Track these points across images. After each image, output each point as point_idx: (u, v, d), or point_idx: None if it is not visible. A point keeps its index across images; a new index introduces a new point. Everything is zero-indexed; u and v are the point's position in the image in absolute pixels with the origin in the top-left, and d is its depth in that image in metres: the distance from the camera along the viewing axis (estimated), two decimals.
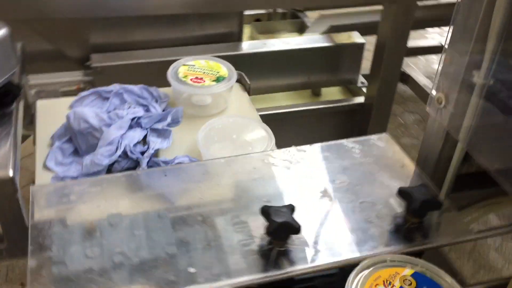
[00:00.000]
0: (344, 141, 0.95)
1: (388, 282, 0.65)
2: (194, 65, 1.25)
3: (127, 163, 1.03)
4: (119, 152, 1.02)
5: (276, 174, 0.90)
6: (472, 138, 0.79)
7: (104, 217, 0.80)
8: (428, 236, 0.78)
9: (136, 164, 1.03)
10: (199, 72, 1.23)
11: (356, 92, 2.00)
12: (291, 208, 0.72)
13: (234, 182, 0.90)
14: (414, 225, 0.78)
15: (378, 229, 0.78)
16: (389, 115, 1.95)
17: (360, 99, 1.96)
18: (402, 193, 0.78)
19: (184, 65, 1.25)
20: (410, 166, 0.91)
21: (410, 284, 0.66)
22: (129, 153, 1.03)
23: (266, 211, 0.71)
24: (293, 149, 0.95)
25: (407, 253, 0.72)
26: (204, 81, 1.20)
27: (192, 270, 0.71)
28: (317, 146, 0.95)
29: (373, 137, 0.96)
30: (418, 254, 0.73)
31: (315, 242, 0.75)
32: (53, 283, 0.70)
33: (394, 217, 0.80)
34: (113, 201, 0.84)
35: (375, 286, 0.65)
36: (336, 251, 0.75)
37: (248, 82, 1.27)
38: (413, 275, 0.67)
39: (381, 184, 0.87)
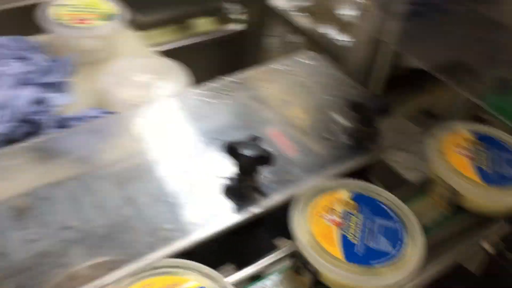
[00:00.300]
0: (273, 64, 0.91)
1: (330, 208, 0.65)
2: (69, 4, 1.08)
3: (27, 127, 0.87)
4: (13, 116, 0.85)
5: (212, 109, 0.83)
6: (404, 39, 0.80)
7: (32, 192, 0.67)
8: (385, 143, 0.79)
9: (37, 127, 0.88)
10: (81, 11, 1.07)
11: (230, 21, 1.94)
12: (257, 139, 0.67)
13: (166, 126, 0.81)
14: (369, 135, 0.78)
15: (338, 146, 0.77)
16: (265, 39, 1.93)
17: (236, 27, 1.91)
18: (353, 105, 0.77)
19: (56, 5, 1.07)
20: (344, 79, 0.90)
21: (351, 206, 0.67)
22: (27, 116, 0.87)
23: (233, 147, 0.65)
24: (220, 80, 0.88)
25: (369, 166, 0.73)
26: (91, 22, 1.05)
27: (166, 226, 0.64)
28: (250, 72, 0.89)
29: (301, 56, 0.93)
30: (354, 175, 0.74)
31: (285, 171, 0.72)
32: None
33: (348, 131, 0.80)
34: (34, 173, 0.71)
35: (319, 215, 0.64)
36: (310, 175, 0.72)
37: (140, 17, 1.14)
38: (352, 197, 0.68)
39: (326, 101, 0.85)
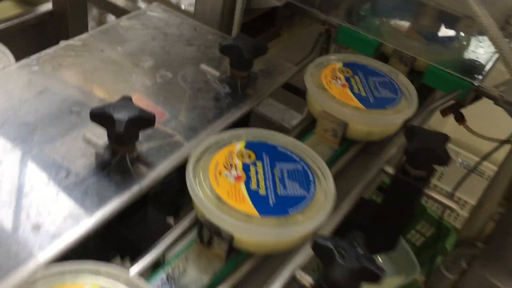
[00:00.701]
0: (118, 21, 0.77)
1: (229, 164, 0.58)
2: None
3: None
4: None
5: (53, 82, 0.67)
6: None
7: None
8: (265, 83, 0.72)
9: None
10: None
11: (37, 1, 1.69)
12: (130, 99, 0.54)
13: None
14: (245, 79, 0.71)
15: (215, 98, 0.68)
16: (86, 14, 1.74)
17: (47, 6, 1.67)
18: (225, 48, 0.69)
19: None
20: (203, 27, 0.81)
21: (250, 157, 0.60)
22: None
23: (101, 112, 0.52)
24: (55, 48, 0.72)
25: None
26: None
27: (35, 226, 0.49)
28: (91, 34, 0.74)
29: (144, 9, 0.81)
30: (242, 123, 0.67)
31: (165, 136, 0.61)
32: None
33: (223, 80, 0.71)
34: None
35: (219, 173, 0.56)
36: (195, 134, 0.62)
37: None
38: (248, 147, 0.61)
39: (189, 52, 0.75)
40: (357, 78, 0.76)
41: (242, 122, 0.69)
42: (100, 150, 0.55)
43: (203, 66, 0.73)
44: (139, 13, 0.80)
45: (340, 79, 0.75)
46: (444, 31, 0.94)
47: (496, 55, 0.87)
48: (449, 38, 0.93)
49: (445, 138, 0.60)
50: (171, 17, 0.81)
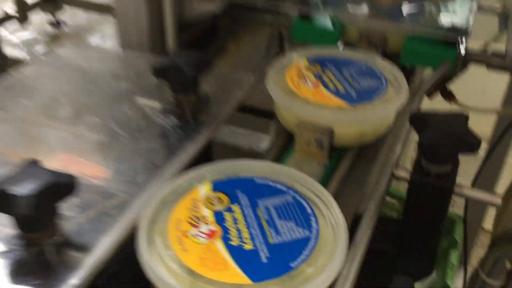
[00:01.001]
0: (19, 71, 0.61)
1: (195, 217, 0.42)
2: None
3: None
4: None
5: None
6: None
7: None
8: (221, 103, 0.57)
9: None
10: None
11: None
12: (35, 164, 0.38)
13: None
14: (194, 104, 0.55)
15: (162, 135, 0.53)
16: None
17: None
18: (160, 70, 0.53)
19: None
20: (128, 54, 0.66)
21: (222, 201, 0.44)
22: None
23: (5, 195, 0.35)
24: None
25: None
26: None
27: None
28: None
29: (52, 50, 0.65)
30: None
31: (102, 200, 0.44)
32: None
33: (163, 112, 0.56)
34: None
35: (184, 234, 0.40)
36: (143, 188, 0.46)
37: None
38: (215, 188, 0.44)
39: (118, 88, 0.60)
40: (328, 72, 0.62)
41: (203, 158, 0.53)
42: (10, 246, 0.38)
43: (139, 100, 0.57)
44: (47, 55, 0.64)
45: (309, 78, 0.61)
46: (411, 5, 0.81)
47: (472, 16, 0.75)
48: (418, 10, 0.81)
49: (464, 118, 0.46)
50: (89, 51, 0.66)
